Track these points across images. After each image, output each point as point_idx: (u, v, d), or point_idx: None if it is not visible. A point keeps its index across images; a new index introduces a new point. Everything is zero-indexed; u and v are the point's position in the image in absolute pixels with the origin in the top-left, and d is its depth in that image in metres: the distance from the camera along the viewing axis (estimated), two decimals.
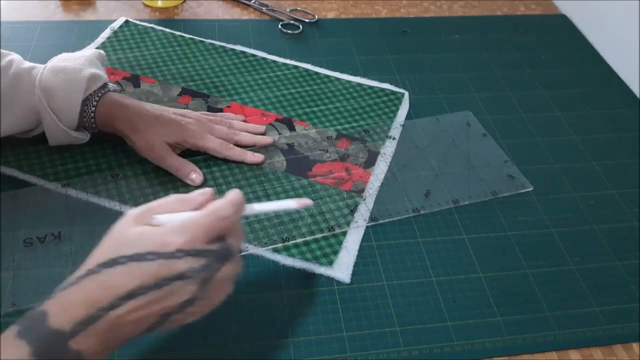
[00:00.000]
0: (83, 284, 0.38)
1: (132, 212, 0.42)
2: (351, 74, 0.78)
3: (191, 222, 0.40)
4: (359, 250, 0.57)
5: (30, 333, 0.35)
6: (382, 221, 0.60)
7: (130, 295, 0.37)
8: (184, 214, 0.42)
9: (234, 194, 0.43)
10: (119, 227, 0.41)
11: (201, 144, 0.62)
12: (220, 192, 0.60)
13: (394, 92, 0.76)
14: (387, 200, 0.62)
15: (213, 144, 0.62)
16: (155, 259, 0.38)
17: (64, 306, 0.37)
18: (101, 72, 0.61)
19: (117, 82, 0.72)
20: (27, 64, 0.59)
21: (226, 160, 0.63)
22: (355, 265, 0.56)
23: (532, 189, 0.65)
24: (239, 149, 0.64)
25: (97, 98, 0.60)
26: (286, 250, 0.56)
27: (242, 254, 0.54)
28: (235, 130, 0.65)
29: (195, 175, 0.60)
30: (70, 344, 0.36)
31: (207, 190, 0.43)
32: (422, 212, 0.61)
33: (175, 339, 0.49)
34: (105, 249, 0.40)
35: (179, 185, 0.60)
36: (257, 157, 0.64)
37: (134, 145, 0.61)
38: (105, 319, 0.37)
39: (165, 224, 0.41)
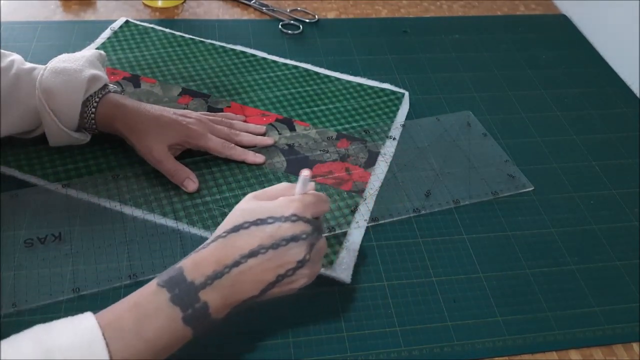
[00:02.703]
0: (212, 246, 0.45)
1: (251, 194, 0.49)
2: (351, 74, 0.78)
3: (304, 196, 0.47)
4: (359, 250, 0.57)
5: (169, 282, 0.42)
6: (382, 221, 0.60)
7: (251, 253, 0.44)
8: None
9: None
10: (241, 204, 0.48)
11: (202, 144, 0.62)
12: (220, 192, 0.60)
13: (394, 92, 0.76)
14: (388, 200, 0.62)
15: (214, 144, 0.62)
16: (274, 222, 0.45)
17: (196, 263, 0.43)
18: (101, 73, 0.61)
19: (117, 82, 0.72)
20: (28, 65, 0.59)
21: (227, 161, 0.63)
22: (356, 265, 0.56)
23: (532, 188, 0.65)
24: (240, 148, 0.64)
25: (97, 99, 0.60)
26: None
27: None
28: (236, 131, 0.65)
29: (189, 182, 0.60)
30: (200, 294, 0.42)
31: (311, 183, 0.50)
32: (423, 212, 0.61)
33: None
34: (230, 220, 0.46)
35: (179, 185, 0.60)
36: (258, 158, 0.64)
37: (133, 147, 0.61)
38: (229, 275, 0.43)
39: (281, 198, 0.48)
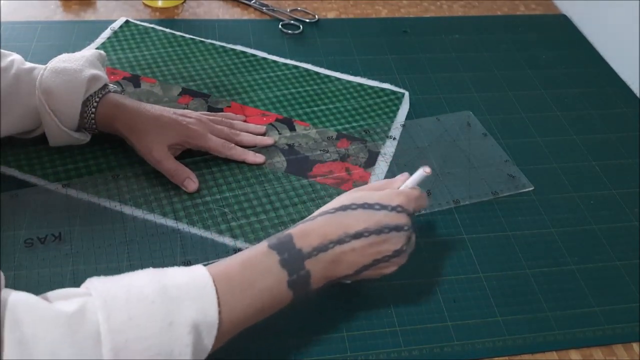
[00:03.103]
0: (320, 220, 0.47)
1: (356, 188, 0.52)
2: (351, 74, 0.78)
3: (410, 191, 0.50)
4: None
5: (279, 246, 0.44)
6: None
7: (356, 235, 0.46)
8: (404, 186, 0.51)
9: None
10: (347, 193, 0.50)
11: (202, 144, 0.62)
12: (220, 192, 0.60)
13: (394, 92, 0.76)
14: None
15: (214, 144, 0.62)
16: (381, 209, 0.47)
17: (304, 233, 0.46)
18: (101, 72, 0.61)
19: (117, 82, 0.72)
20: (28, 65, 0.59)
21: (227, 160, 0.63)
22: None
23: (532, 188, 0.65)
24: (240, 148, 0.64)
25: (97, 99, 0.60)
26: None
27: None
28: (236, 131, 0.65)
29: (189, 182, 0.60)
30: (305, 263, 0.44)
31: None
32: (423, 212, 0.61)
33: None
34: (338, 200, 0.49)
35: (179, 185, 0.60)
36: (258, 158, 0.64)
37: (133, 147, 0.61)
38: (333, 251, 0.45)
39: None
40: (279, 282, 0.43)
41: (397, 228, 0.47)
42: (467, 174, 0.66)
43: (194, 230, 0.57)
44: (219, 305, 0.39)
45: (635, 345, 0.53)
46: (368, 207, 0.47)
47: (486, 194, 0.64)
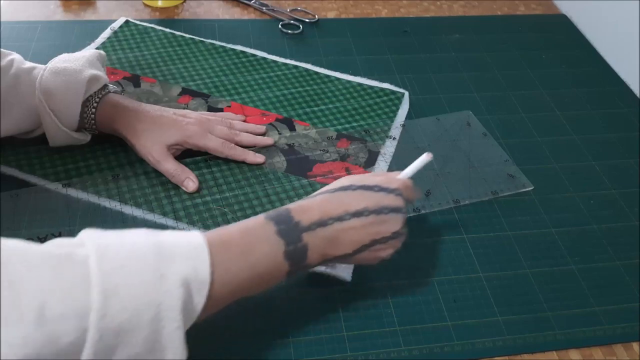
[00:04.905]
0: (319, 198, 0.47)
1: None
2: (351, 74, 0.78)
3: (406, 180, 0.51)
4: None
5: (276, 218, 0.44)
6: None
7: (356, 213, 0.46)
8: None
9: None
10: (345, 177, 0.51)
11: (202, 144, 0.62)
12: (220, 192, 0.60)
13: (394, 92, 0.76)
14: None
15: (214, 144, 0.62)
16: (380, 191, 0.48)
17: (303, 208, 0.46)
18: (101, 73, 0.61)
19: (117, 82, 0.72)
20: (28, 64, 0.59)
21: (227, 161, 0.63)
22: (356, 264, 0.56)
23: (532, 188, 0.65)
24: (240, 148, 0.64)
25: (97, 99, 0.60)
26: None
27: None
28: (235, 131, 0.65)
29: (189, 182, 0.60)
30: (303, 235, 0.44)
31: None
32: (423, 211, 0.61)
33: None
34: (338, 182, 0.50)
35: (179, 185, 0.60)
36: (258, 158, 0.64)
37: (133, 147, 0.61)
38: (332, 227, 0.45)
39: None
40: (276, 251, 0.43)
41: (396, 210, 0.48)
42: (467, 173, 0.66)
43: (194, 230, 0.57)
44: (213, 265, 0.39)
45: (635, 345, 0.53)
46: (367, 188, 0.48)
47: (486, 194, 0.64)
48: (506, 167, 0.67)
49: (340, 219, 0.46)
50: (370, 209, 0.47)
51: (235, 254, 0.41)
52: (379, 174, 0.52)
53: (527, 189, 0.65)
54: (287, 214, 0.45)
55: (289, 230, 0.44)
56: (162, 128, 0.60)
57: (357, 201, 0.47)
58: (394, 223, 0.48)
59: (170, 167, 0.60)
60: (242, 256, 0.42)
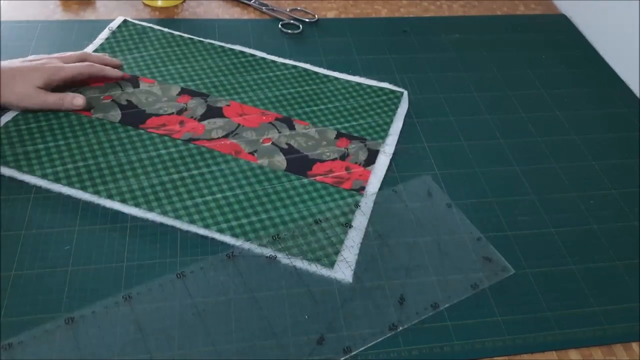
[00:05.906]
0: None
1: None
2: (351, 74, 0.78)
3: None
4: (360, 249, 0.57)
5: None
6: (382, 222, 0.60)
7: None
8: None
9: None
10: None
11: (65, 74, 0.65)
12: (220, 192, 0.60)
13: (393, 91, 0.76)
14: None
15: (74, 68, 0.66)
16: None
17: None
18: None
19: (117, 83, 0.72)
20: None
21: (226, 159, 0.63)
22: (357, 264, 0.56)
23: (513, 273, 0.57)
24: (98, 65, 0.69)
25: None
26: (287, 249, 0.56)
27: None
28: (83, 53, 0.71)
29: (78, 99, 0.65)
30: None
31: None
32: (400, 328, 0.51)
33: (175, 338, 0.49)
34: None
35: (179, 184, 0.60)
36: (116, 73, 0.70)
37: (9, 105, 0.63)
38: None
39: None
40: None
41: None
42: (439, 264, 0.56)
43: (194, 229, 0.57)
44: None
45: (635, 345, 0.53)
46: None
47: (466, 289, 0.55)
48: (480, 249, 0.58)
49: None
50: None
51: None
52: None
53: (507, 274, 0.56)
54: None
55: None
56: (25, 75, 0.63)
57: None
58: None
59: (56, 96, 0.64)
60: None
